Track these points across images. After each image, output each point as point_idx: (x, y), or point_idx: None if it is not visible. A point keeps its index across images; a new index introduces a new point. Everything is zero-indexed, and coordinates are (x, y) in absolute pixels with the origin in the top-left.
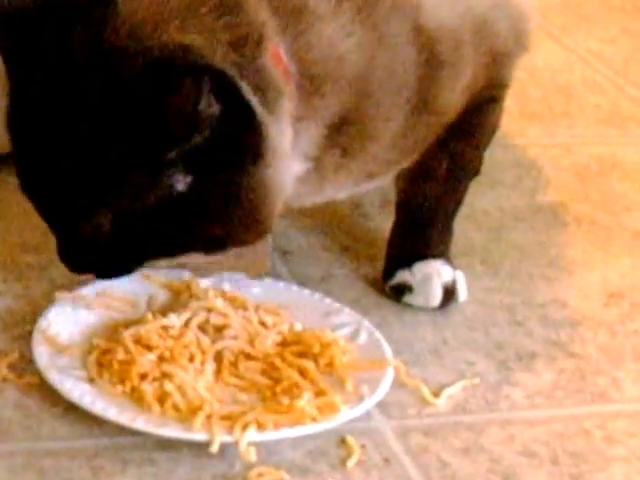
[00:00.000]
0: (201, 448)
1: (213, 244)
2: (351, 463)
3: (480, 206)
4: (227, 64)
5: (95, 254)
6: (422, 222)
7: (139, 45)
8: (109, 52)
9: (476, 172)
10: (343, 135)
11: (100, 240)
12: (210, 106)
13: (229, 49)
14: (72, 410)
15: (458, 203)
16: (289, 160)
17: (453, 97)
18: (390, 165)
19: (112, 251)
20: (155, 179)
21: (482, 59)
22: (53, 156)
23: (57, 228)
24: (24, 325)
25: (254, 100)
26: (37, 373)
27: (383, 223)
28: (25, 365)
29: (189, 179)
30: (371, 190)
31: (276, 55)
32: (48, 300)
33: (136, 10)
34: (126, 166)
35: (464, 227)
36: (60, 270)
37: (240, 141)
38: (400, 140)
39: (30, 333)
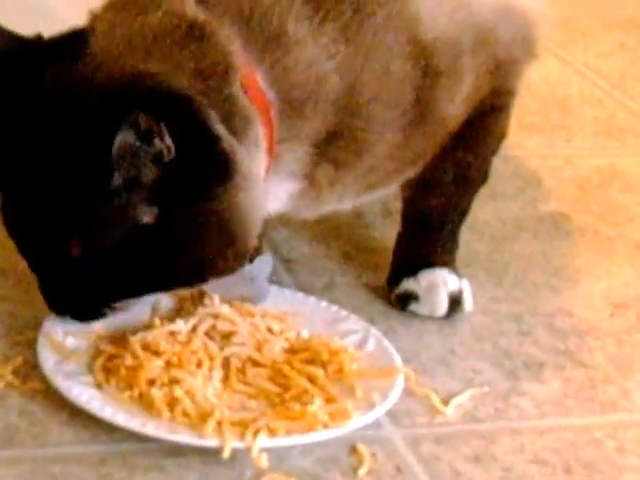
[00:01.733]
0: (210, 455)
1: (190, 275)
2: (362, 471)
3: (482, 217)
4: (192, 91)
5: (70, 292)
6: (428, 230)
7: (104, 75)
8: (77, 85)
9: (483, 180)
10: (333, 149)
11: (73, 272)
12: (163, 139)
13: (194, 78)
14: (78, 416)
15: (465, 211)
16: (260, 182)
17: (453, 107)
18: (392, 176)
19: (87, 287)
20: (111, 209)
21: (484, 67)
22: (27, 190)
23: (36, 266)
24: (27, 331)
25: (219, 127)
26: (41, 378)
27: (386, 232)
28: (29, 371)
29: (155, 210)
30: (374, 199)
31: (249, 84)
32: None
33: (106, 44)
34: (81, 196)
35: (467, 238)
36: None
37: (204, 170)
38: (399, 151)
39: (33, 338)
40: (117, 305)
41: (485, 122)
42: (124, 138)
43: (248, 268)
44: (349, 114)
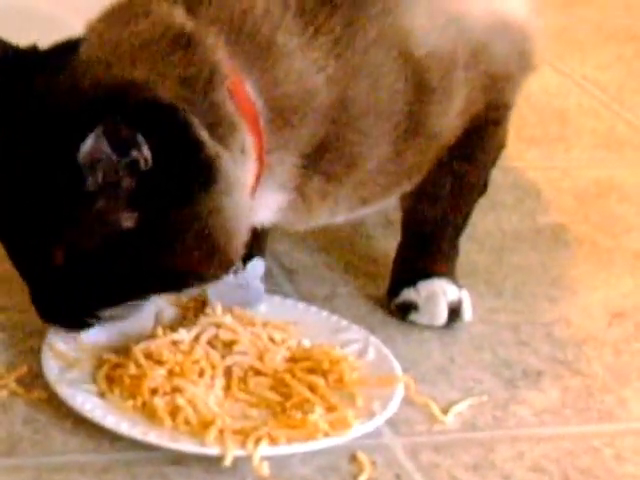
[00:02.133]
0: (212, 463)
1: (173, 281)
2: (362, 479)
3: (482, 227)
4: (176, 98)
5: (58, 301)
6: (428, 241)
7: (89, 82)
8: (61, 92)
9: (481, 191)
10: (324, 162)
11: (58, 280)
12: (140, 149)
13: (179, 85)
14: (81, 424)
15: (464, 222)
16: (246, 189)
17: (446, 121)
18: (386, 190)
19: (72, 295)
20: (89, 214)
21: (478, 82)
22: (12, 198)
23: (25, 274)
24: (31, 340)
25: (203, 133)
26: (45, 387)
27: (386, 243)
28: (33, 379)
29: (135, 215)
30: (372, 212)
31: (237, 92)
32: None
33: (93, 53)
34: (60, 201)
35: (466, 248)
36: None
37: (187, 174)
38: (391, 165)
39: (37, 347)
40: (104, 314)
41: (482, 135)
42: (94, 144)
43: (242, 275)
44: (339, 127)
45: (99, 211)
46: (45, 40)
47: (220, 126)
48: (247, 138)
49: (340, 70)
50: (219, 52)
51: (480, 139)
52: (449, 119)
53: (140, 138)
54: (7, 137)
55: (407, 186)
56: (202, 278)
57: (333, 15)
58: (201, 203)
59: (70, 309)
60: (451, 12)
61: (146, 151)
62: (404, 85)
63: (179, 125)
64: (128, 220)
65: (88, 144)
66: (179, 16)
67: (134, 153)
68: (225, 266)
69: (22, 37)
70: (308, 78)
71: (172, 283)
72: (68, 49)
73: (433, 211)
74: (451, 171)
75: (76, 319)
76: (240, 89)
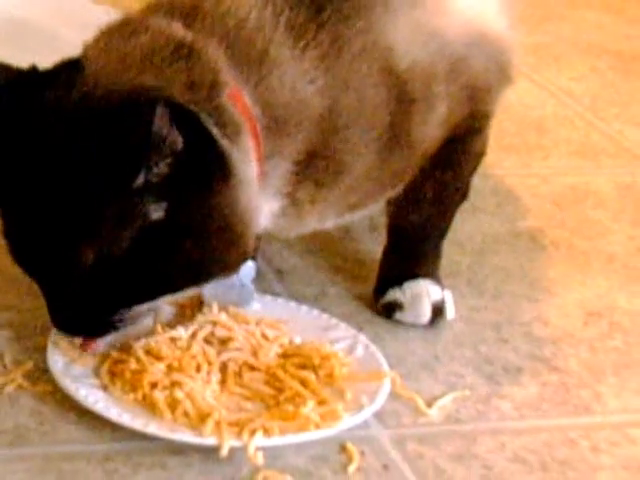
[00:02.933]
0: (209, 453)
1: (198, 272)
2: (352, 469)
3: (463, 231)
4: (185, 101)
5: (81, 307)
6: (412, 244)
7: (103, 90)
8: (77, 102)
9: (463, 197)
10: (313, 169)
11: (91, 284)
12: (170, 134)
13: (185, 90)
14: (85, 416)
15: (446, 226)
16: (256, 189)
17: (428, 131)
18: (371, 196)
19: (98, 298)
20: (128, 209)
21: (459, 94)
22: (35, 205)
23: (46, 279)
24: (37, 337)
25: (215, 130)
26: (51, 381)
27: (373, 246)
28: (39, 374)
29: (164, 205)
30: (357, 218)
31: (236, 98)
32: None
33: (99, 66)
34: (99, 199)
35: (449, 251)
36: None
37: (206, 165)
38: (376, 172)
39: (43, 344)
40: (127, 316)
41: (463, 144)
42: (157, 129)
43: (236, 275)
44: (329, 136)
45: (136, 204)
46: (38, 50)
47: (227, 127)
48: (250, 141)
49: (329, 82)
50: (219, 61)
51: (461, 148)
52: (431, 129)
53: (174, 124)
54: (26, 147)
55: (391, 192)
56: (225, 267)
57: (320, 30)
58: (220, 194)
59: (92, 314)
60: (431, 27)
61: (179, 136)
62: (387, 97)
63: (195, 121)
64: (157, 210)
65: (155, 128)
66: (178, 29)
67: (174, 137)
68: (243, 255)
69: (16, 47)
70: (300, 89)
71: (199, 274)
72: (69, 67)
73: (417, 216)
74: (433, 178)
75: (99, 324)
76: (239, 96)
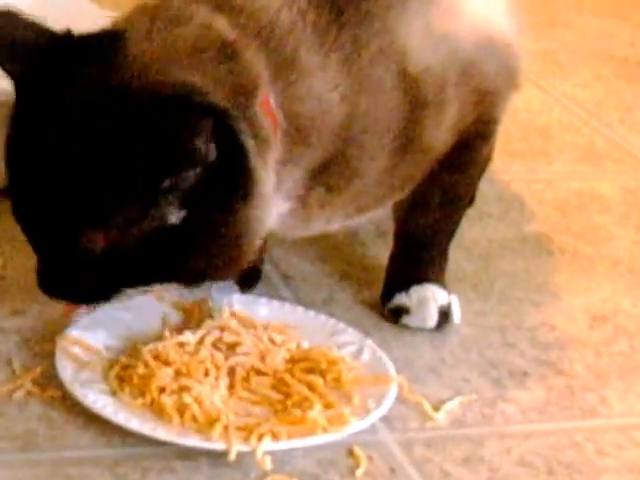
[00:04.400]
0: (217, 457)
1: (194, 277)
2: (359, 472)
3: (470, 236)
4: (230, 107)
5: (78, 278)
6: (418, 249)
7: (145, 82)
8: (114, 87)
9: (469, 202)
10: (327, 175)
11: (88, 261)
12: (206, 145)
13: (230, 93)
14: (94, 421)
15: (452, 231)
16: (271, 203)
17: (439, 135)
18: (380, 200)
19: (97, 274)
20: (149, 208)
21: (469, 98)
22: (53, 178)
23: (46, 246)
24: (45, 343)
25: (250, 144)
26: (60, 387)
27: (379, 251)
28: (48, 380)
29: (182, 213)
30: (367, 220)
31: (266, 104)
32: (66, 320)
33: (143, 50)
34: (125, 190)
35: (456, 256)
36: None
37: (232, 181)
38: (387, 177)
39: (51, 350)
40: (118, 292)
41: (470, 148)
42: (175, 139)
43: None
44: (345, 143)
45: (159, 207)
46: None
47: (258, 138)
48: (273, 152)
49: (349, 87)
50: (259, 65)
51: (469, 153)
52: (441, 133)
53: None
54: (56, 126)
55: (400, 195)
56: (217, 277)
57: (342, 32)
58: (239, 212)
59: (84, 285)
60: (443, 30)
61: (214, 150)
62: (401, 101)
63: (233, 132)
64: (175, 217)
65: (197, 142)
66: (221, 24)
67: (206, 148)
68: (238, 270)
69: None
70: (326, 98)
71: (190, 277)
72: (108, 40)
73: (424, 220)
74: (441, 182)
75: (88, 294)
76: (268, 102)
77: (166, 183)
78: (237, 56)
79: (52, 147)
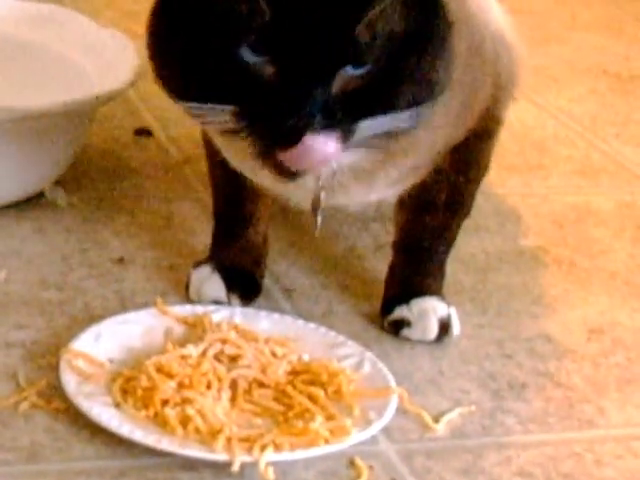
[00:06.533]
0: (220, 468)
1: (425, 89)
2: None
3: (467, 250)
4: None
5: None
6: (419, 260)
7: None
8: None
9: (467, 212)
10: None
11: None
12: None
13: None
14: (98, 433)
15: (452, 241)
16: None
17: (474, 115)
18: (412, 174)
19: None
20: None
21: (489, 88)
22: None
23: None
24: (49, 356)
25: None
26: (64, 399)
27: (378, 264)
28: (53, 392)
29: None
30: (364, 235)
31: None
32: (70, 333)
33: None
34: None
35: (453, 269)
36: (78, 306)
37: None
38: (436, 147)
39: (55, 363)
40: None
41: (476, 147)
42: None
43: None
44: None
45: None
46: (44, 72)
47: None
48: None
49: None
50: None
51: (474, 151)
52: (475, 113)
53: None
54: None
55: (412, 180)
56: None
57: None
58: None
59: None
60: (481, 20)
61: None
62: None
63: None
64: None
65: None
66: None
67: None
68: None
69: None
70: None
71: (422, 90)
72: None
73: (429, 221)
74: (447, 182)
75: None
76: None
77: None
78: None
79: None
